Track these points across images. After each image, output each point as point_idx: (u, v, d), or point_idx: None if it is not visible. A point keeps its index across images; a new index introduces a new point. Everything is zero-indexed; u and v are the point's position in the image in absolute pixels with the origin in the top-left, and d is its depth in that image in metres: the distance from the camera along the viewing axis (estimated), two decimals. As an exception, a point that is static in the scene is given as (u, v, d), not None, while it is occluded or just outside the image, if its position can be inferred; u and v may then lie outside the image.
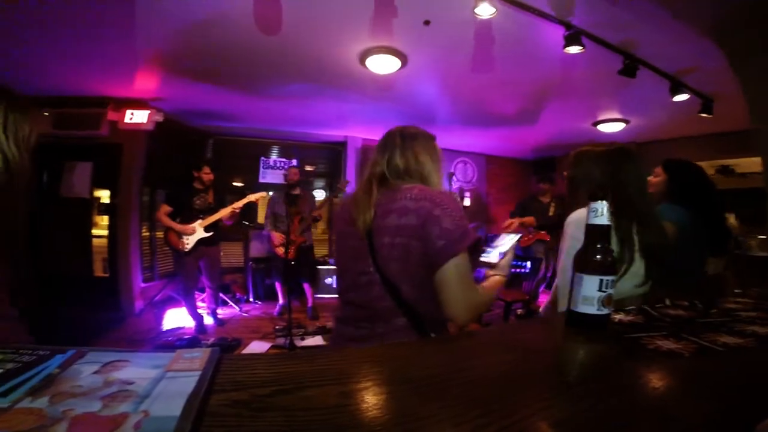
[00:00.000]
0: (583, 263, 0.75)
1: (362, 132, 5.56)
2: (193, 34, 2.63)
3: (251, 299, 4.79)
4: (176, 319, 3.77)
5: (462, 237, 0.98)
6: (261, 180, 5.40)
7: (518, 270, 3.41)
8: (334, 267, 4.94)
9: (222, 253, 4.06)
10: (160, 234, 4.22)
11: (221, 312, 4.15)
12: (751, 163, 4.42)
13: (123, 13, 2.33)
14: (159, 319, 3.76)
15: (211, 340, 3.40)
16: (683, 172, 1.72)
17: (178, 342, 3.34)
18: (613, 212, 0.80)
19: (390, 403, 0.46)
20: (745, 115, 2.40)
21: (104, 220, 4.20)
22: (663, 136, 5.13)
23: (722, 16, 2.24)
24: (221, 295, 4.27)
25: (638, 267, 1.10)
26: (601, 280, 0.72)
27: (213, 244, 3.70)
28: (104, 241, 4.15)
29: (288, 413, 0.41)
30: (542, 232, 3.96)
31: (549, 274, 3.70)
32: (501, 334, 0.87)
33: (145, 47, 2.82)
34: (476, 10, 2.21)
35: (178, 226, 3.48)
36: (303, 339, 3.43)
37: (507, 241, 1.27)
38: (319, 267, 4.88)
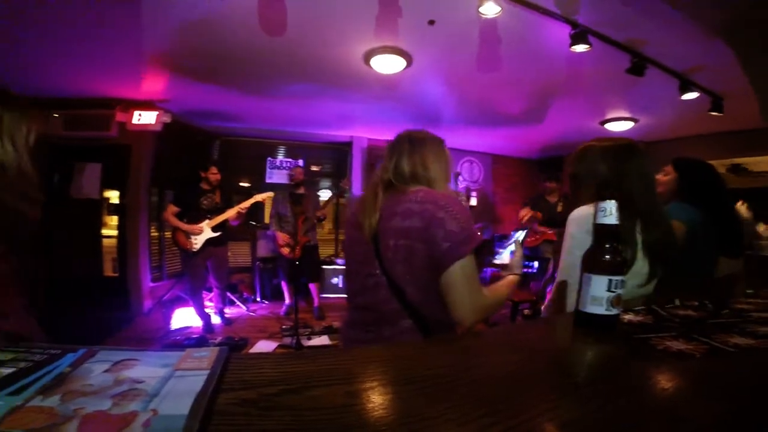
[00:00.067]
0: (592, 263, 0.74)
1: (368, 132, 5.57)
2: (198, 35, 2.65)
3: (258, 299, 4.82)
4: (184, 318, 3.81)
5: (467, 239, 0.97)
6: (268, 180, 5.43)
7: (526, 270, 3.39)
8: (339, 267, 4.96)
9: (229, 253, 4.09)
10: (168, 234, 4.26)
11: (228, 311, 4.19)
12: (762, 162, 4.36)
13: (129, 14, 2.35)
14: (167, 319, 3.80)
15: (219, 339, 3.43)
16: (694, 171, 1.70)
17: (186, 341, 3.37)
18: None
19: (396, 403, 0.46)
20: (757, 113, 2.36)
21: (113, 220, 4.25)
22: (672, 135, 5.06)
23: (731, 14, 2.21)
24: (228, 294, 4.30)
25: (641, 266, 1.08)
26: (610, 281, 0.71)
27: (221, 244, 3.73)
28: (114, 241, 4.20)
29: (295, 412, 0.42)
30: (550, 232, 3.93)
31: (557, 274, 3.65)
32: (508, 335, 0.87)
33: (151, 48, 2.85)
34: (481, 9, 2.20)
35: (185, 226, 3.51)
36: (309, 339, 3.45)
37: (514, 240, 1.27)
38: (325, 267, 4.89)
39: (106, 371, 0.45)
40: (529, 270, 3.39)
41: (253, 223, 4.39)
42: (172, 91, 3.76)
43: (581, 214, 1.12)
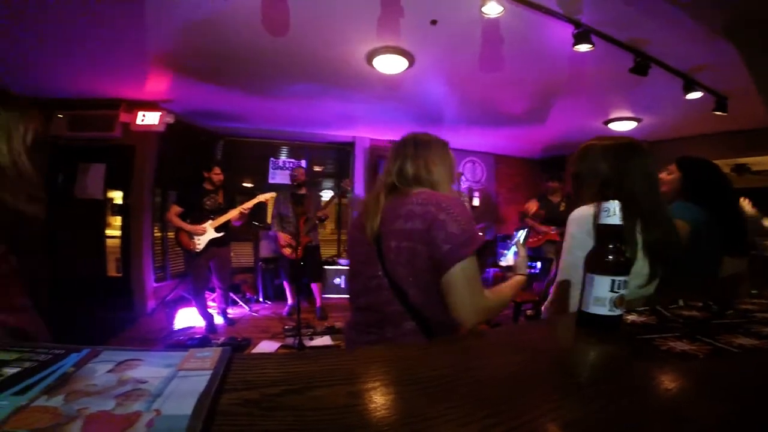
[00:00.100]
0: (595, 263, 0.74)
1: (370, 132, 5.58)
2: (201, 35, 2.66)
3: (261, 299, 4.83)
4: (187, 318, 3.82)
5: (468, 241, 0.97)
6: (271, 181, 5.44)
7: (529, 271, 3.38)
8: (342, 267, 4.96)
9: (232, 254, 4.09)
10: (171, 234, 4.28)
11: (231, 312, 4.20)
12: (767, 162, 4.33)
13: (132, 14, 2.36)
14: (170, 319, 3.81)
15: (221, 339, 3.44)
16: (698, 170, 1.69)
17: (189, 341, 3.38)
18: None
19: (398, 404, 0.47)
20: (761, 113, 2.35)
21: (117, 220, 4.27)
22: (676, 135, 5.04)
23: (734, 13, 2.20)
24: (231, 295, 4.31)
25: (641, 267, 1.07)
26: (613, 281, 0.71)
27: (224, 244, 3.74)
28: (117, 241, 4.23)
29: (298, 413, 0.42)
30: (552, 232, 3.92)
31: (557, 274, 3.64)
32: (510, 335, 0.87)
33: (154, 48, 2.86)
34: (483, 9, 2.20)
35: (188, 227, 3.52)
36: (312, 339, 3.45)
37: (516, 240, 1.27)
38: (328, 267, 4.90)
39: (109, 371, 0.45)
40: (532, 270, 3.38)
41: (256, 223, 4.40)
42: (176, 91, 3.77)
43: (582, 214, 1.11)
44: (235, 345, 3.27)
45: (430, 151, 1.16)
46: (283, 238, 4.02)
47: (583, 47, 2.44)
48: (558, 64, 3.04)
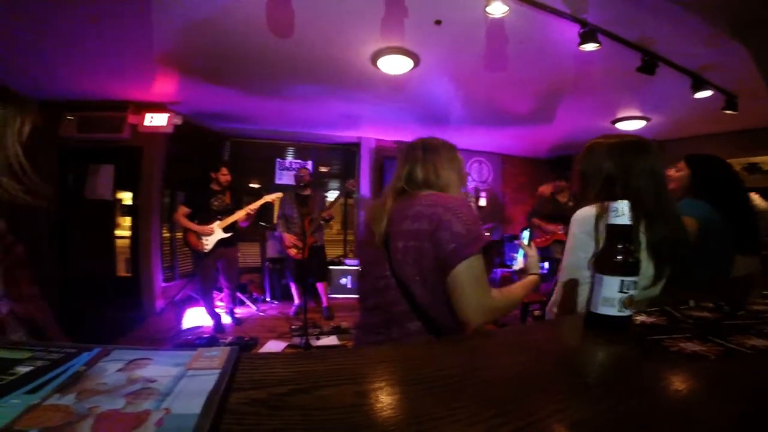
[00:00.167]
0: (604, 264, 0.73)
1: (376, 133, 5.58)
2: (207, 36, 2.68)
3: (268, 299, 4.86)
4: (195, 318, 3.85)
5: (473, 240, 0.98)
6: (277, 181, 5.47)
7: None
8: (348, 267, 4.97)
9: (239, 254, 4.12)
10: (180, 235, 4.32)
11: (239, 311, 4.23)
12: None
13: (139, 16, 2.39)
14: (179, 318, 3.85)
15: (229, 339, 3.46)
16: (707, 167, 1.66)
17: (197, 340, 3.41)
18: None
19: (404, 403, 0.46)
20: (771, 112, 2.32)
21: (126, 221, 4.32)
22: (686, 134, 4.98)
23: (744, 12, 2.17)
24: (239, 294, 4.34)
25: (645, 268, 1.05)
26: (622, 281, 0.70)
27: (231, 245, 3.77)
28: (127, 241, 4.27)
29: (305, 412, 0.42)
30: (560, 232, 3.89)
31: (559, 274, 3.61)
32: (517, 335, 0.86)
33: (162, 50, 2.89)
34: (488, 9, 2.19)
35: (196, 227, 3.55)
36: (318, 339, 3.46)
37: (521, 242, 1.28)
38: (334, 267, 4.91)
39: (119, 370, 0.46)
40: (541, 271, 3.36)
41: (263, 224, 4.42)
42: (183, 93, 3.81)
43: (584, 215, 1.10)
44: (242, 344, 3.29)
45: (439, 155, 1.17)
46: (288, 238, 4.04)
47: (590, 46, 2.42)
48: (564, 63, 3.01)
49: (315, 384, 0.49)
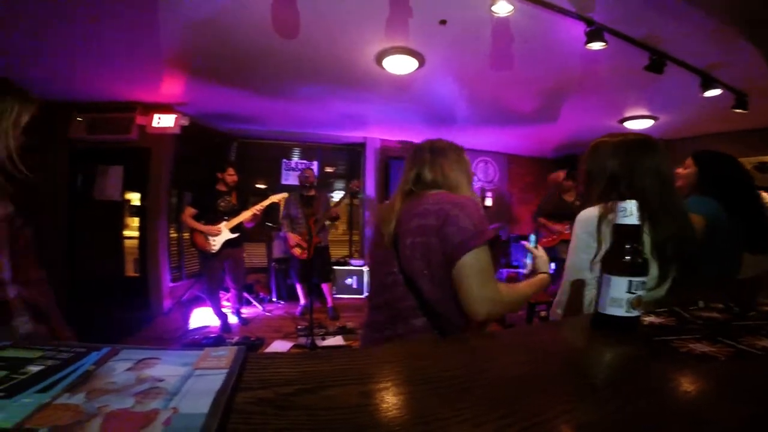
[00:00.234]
0: (611, 264, 0.73)
1: (381, 133, 5.58)
2: (213, 38, 2.70)
3: (274, 299, 4.88)
4: (202, 318, 3.87)
5: (479, 234, 0.99)
6: (283, 182, 5.50)
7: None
8: (353, 267, 4.98)
9: (245, 254, 4.14)
10: (187, 235, 4.35)
11: (245, 311, 4.25)
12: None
13: (147, 17, 2.40)
14: (186, 318, 3.88)
15: (235, 338, 3.48)
16: (715, 164, 1.64)
17: (204, 340, 3.43)
18: None
19: (410, 403, 0.46)
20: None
21: (135, 221, 4.36)
22: (695, 133, 4.92)
23: (754, 10, 2.13)
24: (245, 294, 4.36)
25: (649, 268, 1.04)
26: (630, 282, 0.70)
27: (238, 245, 3.79)
28: (135, 242, 4.31)
29: (311, 412, 0.42)
30: (566, 231, 3.86)
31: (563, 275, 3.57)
32: (524, 336, 0.86)
33: (168, 51, 2.91)
34: (493, 8, 2.18)
35: (203, 228, 3.57)
36: (324, 339, 3.47)
37: (527, 246, 1.30)
38: (339, 268, 4.92)
39: (128, 370, 0.46)
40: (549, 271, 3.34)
41: (270, 224, 4.44)
42: (190, 94, 3.83)
43: (587, 216, 1.10)
44: (248, 344, 3.30)
45: (446, 157, 1.18)
46: (293, 237, 4.06)
47: (596, 45, 2.40)
48: (570, 62, 2.99)
49: (321, 384, 0.49)
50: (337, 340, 3.46)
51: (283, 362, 0.57)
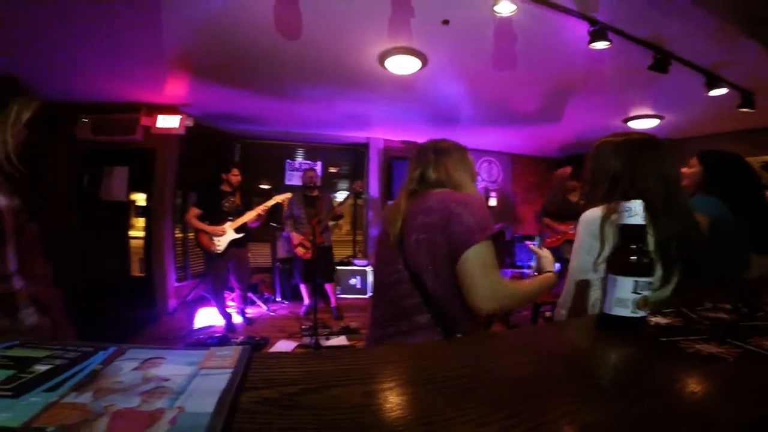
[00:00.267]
0: (617, 264, 0.72)
1: (384, 133, 5.58)
2: (217, 39, 2.72)
3: (278, 299, 4.89)
4: (207, 317, 3.89)
5: (482, 229, 0.99)
6: (287, 182, 5.51)
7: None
8: (357, 268, 4.98)
9: (250, 254, 4.16)
10: (192, 235, 4.37)
11: (250, 311, 4.26)
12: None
13: (151, 18, 2.42)
14: (191, 318, 3.90)
15: (240, 338, 3.50)
16: (720, 163, 1.62)
17: (209, 340, 3.45)
18: None
19: (414, 403, 0.46)
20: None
21: (140, 222, 4.39)
22: (700, 133, 4.89)
23: (758, 9, 2.12)
24: (249, 294, 4.37)
25: None
26: (636, 282, 0.69)
27: (242, 245, 3.80)
28: (140, 242, 4.34)
29: (315, 412, 0.42)
30: (571, 231, 3.84)
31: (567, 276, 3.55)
32: (528, 336, 0.85)
33: (173, 53, 2.93)
34: (496, 8, 2.17)
35: (208, 228, 3.58)
36: (328, 339, 3.47)
37: (531, 249, 1.31)
38: (343, 268, 4.93)
39: (134, 369, 0.46)
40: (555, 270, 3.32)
41: (274, 224, 4.45)
42: (194, 95, 3.86)
43: (590, 217, 1.09)
44: (253, 344, 3.31)
45: (450, 157, 1.19)
46: (296, 237, 4.06)
47: (600, 44, 2.39)
48: (573, 61, 2.98)
49: (325, 384, 0.49)
50: (340, 340, 3.47)
51: (288, 362, 0.57)
